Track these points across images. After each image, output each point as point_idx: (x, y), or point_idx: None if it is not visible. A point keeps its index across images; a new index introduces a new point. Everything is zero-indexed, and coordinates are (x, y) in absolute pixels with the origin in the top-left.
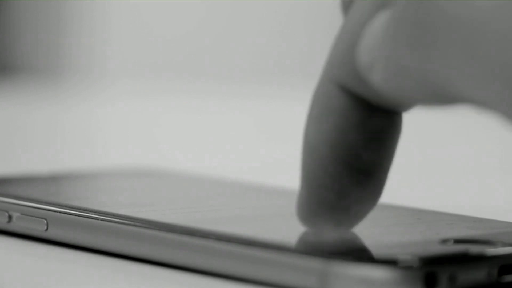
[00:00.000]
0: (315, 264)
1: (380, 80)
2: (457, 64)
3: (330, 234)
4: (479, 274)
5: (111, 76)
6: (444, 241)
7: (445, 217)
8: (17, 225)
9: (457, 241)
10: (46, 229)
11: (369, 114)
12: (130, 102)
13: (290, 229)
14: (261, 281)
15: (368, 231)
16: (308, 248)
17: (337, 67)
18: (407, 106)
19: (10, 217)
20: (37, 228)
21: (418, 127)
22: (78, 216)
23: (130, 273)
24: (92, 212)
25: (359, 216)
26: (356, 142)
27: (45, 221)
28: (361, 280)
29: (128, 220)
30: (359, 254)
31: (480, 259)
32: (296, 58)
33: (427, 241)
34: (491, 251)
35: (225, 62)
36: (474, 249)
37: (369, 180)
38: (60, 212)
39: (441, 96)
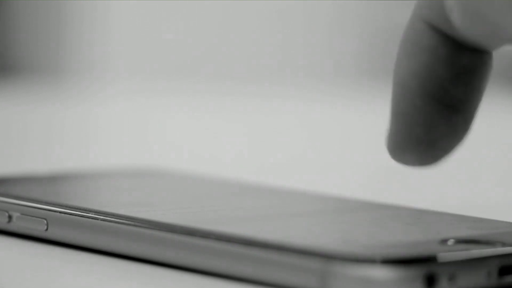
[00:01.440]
0: (315, 264)
1: (459, 23)
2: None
3: (323, 231)
4: (479, 274)
5: (111, 76)
6: (444, 241)
7: (445, 217)
8: (17, 225)
9: (457, 241)
10: (46, 229)
11: (458, 52)
12: (130, 102)
13: (290, 229)
14: (261, 281)
15: (368, 231)
16: (308, 248)
17: (427, 6)
18: (491, 46)
19: (10, 217)
20: (37, 228)
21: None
22: (78, 216)
23: (130, 273)
24: (92, 212)
25: (445, 151)
26: (444, 77)
27: (45, 221)
28: (361, 280)
29: (128, 220)
30: (359, 254)
31: (480, 259)
32: (297, 58)
33: (427, 241)
34: (491, 251)
35: (225, 61)
36: (474, 249)
37: (457, 116)
38: (60, 212)
39: (503, 37)
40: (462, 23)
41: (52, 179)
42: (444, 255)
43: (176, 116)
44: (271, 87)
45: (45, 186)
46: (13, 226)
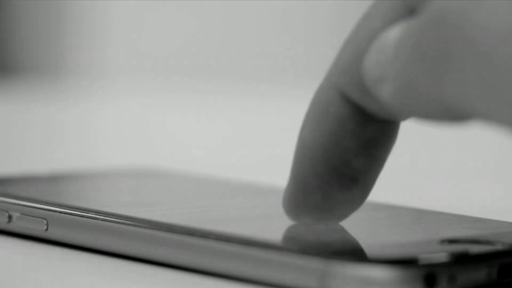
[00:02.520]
0: (315, 264)
1: (388, 95)
2: (472, 88)
3: (323, 231)
4: (479, 274)
5: (111, 76)
6: (444, 241)
7: (445, 217)
8: (17, 225)
9: (457, 241)
10: (46, 229)
11: (365, 123)
12: (130, 101)
13: (290, 229)
14: (261, 281)
15: (368, 231)
16: (308, 248)
17: (341, 75)
18: (410, 117)
19: (10, 217)
20: (37, 228)
21: (418, 127)
22: (78, 216)
23: (130, 273)
24: (92, 212)
25: (341, 217)
26: (348, 148)
27: (45, 221)
28: (361, 280)
29: (128, 220)
30: (359, 254)
31: (480, 259)
32: (297, 58)
33: (427, 241)
34: (491, 251)
35: (225, 61)
36: (474, 249)
37: (356, 186)
38: (60, 212)
39: (452, 114)
40: (395, 99)
41: (52, 179)
42: (444, 255)
43: (176, 116)
44: (271, 87)
45: (45, 186)
46: (13, 226)
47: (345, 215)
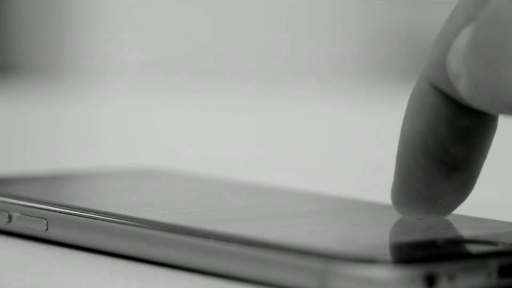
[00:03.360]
0: (315, 264)
1: (463, 91)
2: None
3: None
4: (479, 274)
5: (111, 76)
6: (444, 241)
7: (445, 217)
8: (17, 225)
9: (457, 241)
10: (46, 229)
11: (460, 112)
12: (130, 101)
13: (290, 229)
14: (261, 281)
15: (368, 231)
16: (308, 248)
17: (431, 69)
18: (497, 114)
19: (10, 217)
20: (37, 228)
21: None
22: (78, 216)
23: (130, 273)
24: (92, 212)
25: (448, 207)
26: (445, 137)
27: (45, 221)
28: (361, 280)
29: (128, 220)
30: (359, 254)
31: (480, 259)
32: (297, 58)
33: (427, 241)
34: (491, 251)
35: (225, 61)
36: (474, 249)
37: (458, 174)
38: (60, 212)
39: None
40: (468, 93)
41: (52, 179)
42: (444, 255)
43: (176, 116)
44: (271, 87)
45: (45, 186)
46: (13, 226)
47: (451, 207)
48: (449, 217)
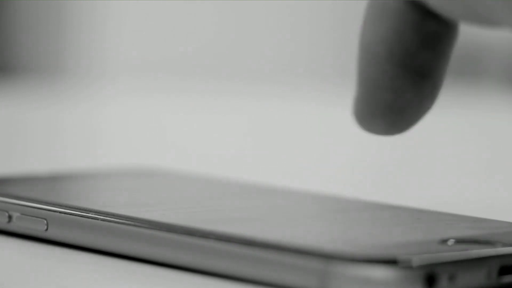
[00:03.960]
0: (315, 264)
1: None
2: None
3: (324, 231)
4: (479, 274)
5: (111, 76)
6: (444, 241)
7: (445, 217)
8: (17, 225)
9: (457, 241)
10: (46, 229)
11: (426, 17)
12: (130, 101)
13: (290, 229)
14: (261, 281)
15: (368, 231)
16: (308, 248)
17: None
18: (463, 22)
19: (10, 217)
20: (37, 228)
21: (419, 126)
22: (78, 216)
23: (130, 273)
24: (92, 212)
25: (413, 119)
26: (411, 42)
27: (45, 221)
28: (361, 280)
29: (128, 220)
30: (359, 254)
31: (480, 259)
32: (297, 58)
33: (427, 241)
34: (491, 251)
35: (225, 61)
36: (474, 249)
37: (425, 81)
38: (60, 212)
39: (483, 22)
40: (433, 1)
41: (52, 179)
42: (444, 255)
43: (176, 115)
44: (271, 87)
45: (45, 186)
46: (13, 226)
47: (415, 118)
48: (449, 217)
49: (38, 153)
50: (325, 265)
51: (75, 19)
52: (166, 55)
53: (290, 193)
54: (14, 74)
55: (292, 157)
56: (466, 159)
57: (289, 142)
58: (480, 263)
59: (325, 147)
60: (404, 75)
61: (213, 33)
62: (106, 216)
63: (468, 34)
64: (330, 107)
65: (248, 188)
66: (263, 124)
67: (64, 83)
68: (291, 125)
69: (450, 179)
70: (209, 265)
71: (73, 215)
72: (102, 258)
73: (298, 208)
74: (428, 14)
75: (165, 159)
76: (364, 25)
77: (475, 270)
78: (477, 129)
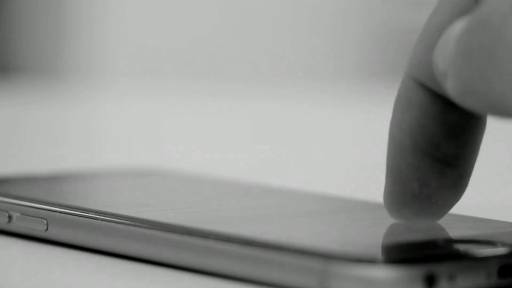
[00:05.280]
0: (315, 264)
1: (451, 91)
2: None
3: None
4: (479, 274)
5: (111, 76)
6: (444, 241)
7: (445, 217)
8: (17, 225)
9: (457, 241)
10: (46, 229)
11: (448, 108)
12: (130, 102)
13: (290, 229)
14: (261, 281)
15: (368, 231)
16: (308, 248)
17: (417, 66)
18: (486, 116)
19: (10, 217)
20: (37, 228)
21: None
22: (78, 216)
23: (130, 273)
24: (92, 212)
25: (443, 206)
26: (435, 133)
27: (45, 221)
28: (361, 280)
29: (128, 220)
30: (359, 254)
31: (480, 259)
32: (296, 59)
33: (427, 241)
34: (491, 251)
35: (225, 62)
36: (474, 249)
37: (450, 171)
38: (60, 212)
39: (501, 111)
40: (455, 93)
41: (52, 179)
42: (444, 255)
43: (176, 116)
44: (271, 88)
45: (45, 186)
46: (13, 226)
47: (445, 206)
48: (449, 217)
49: (38, 153)
50: (325, 265)
51: (75, 19)
52: (166, 56)
53: (290, 193)
54: (14, 74)
55: (292, 157)
56: None
57: (289, 142)
58: (480, 263)
59: (325, 148)
60: (429, 165)
61: (213, 34)
62: (106, 216)
63: None
64: (331, 107)
65: (248, 188)
66: (263, 124)
67: (64, 83)
68: (291, 126)
69: None
70: (209, 265)
71: (73, 215)
72: (102, 258)
73: (298, 208)
74: (451, 106)
75: (165, 159)
76: (392, 118)
77: (475, 270)
78: None
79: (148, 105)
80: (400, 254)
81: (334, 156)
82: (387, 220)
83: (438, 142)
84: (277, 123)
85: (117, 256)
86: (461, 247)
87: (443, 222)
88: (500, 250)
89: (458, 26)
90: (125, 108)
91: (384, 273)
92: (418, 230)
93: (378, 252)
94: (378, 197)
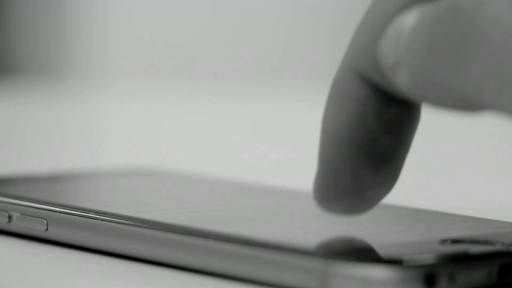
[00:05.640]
0: (315, 264)
1: (403, 82)
2: (485, 80)
3: (323, 231)
4: (479, 274)
5: (111, 76)
6: (444, 241)
7: (445, 217)
8: (17, 225)
9: (457, 241)
10: (46, 229)
11: (388, 103)
12: (130, 102)
13: (290, 229)
14: (261, 281)
15: (368, 231)
16: (308, 248)
17: (357, 57)
18: (426, 103)
19: (10, 217)
20: (37, 228)
21: (418, 126)
22: (78, 216)
23: (130, 273)
24: (92, 212)
25: (373, 201)
26: (373, 128)
27: (45, 221)
28: (361, 280)
29: (128, 220)
30: (359, 254)
31: (480, 259)
32: (296, 59)
33: (427, 241)
34: (491, 251)
35: (225, 62)
36: (474, 249)
37: (385, 166)
38: (60, 212)
39: (466, 104)
40: (409, 86)
41: (52, 179)
42: (444, 255)
43: (176, 116)
44: (270, 88)
45: (45, 186)
46: (13, 226)
47: (376, 200)
48: (449, 217)
49: (38, 153)
50: (325, 265)
51: (75, 19)
52: (166, 56)
53: (290, 193)
54: (14, 74)
55: (292, 157)
56: (466, 159)
57: (289, 142)
58: (480, 263)
59: None
60: (365, 161)
61: (212, 34)
62: (106, 216)
63: None
64: None
65: (248, 188)
66: (262, 124)
67: (64, 83)
68: (291, 126)
69: (450, 179)
70: (209, 265)
71: (73, 215)
72: (102, 258)
73: (298, 208)
74: (391, 100)
75: (165, 159)
76: (326, 109)
77: (475, 270)
78: (477, 129)
79: (148, 105)
80: (400, 254)
81: None
82: (387, 220)
83: (376, 137)
84: (277, 123)
85: (117, 256)
86: (461, 247)
87: (443, 222)
88: (500, 250)
89: (412, 17)
90: (125, 108)
91: (384, 273)
92: (418, 230)
93: (378, 252)
94: None
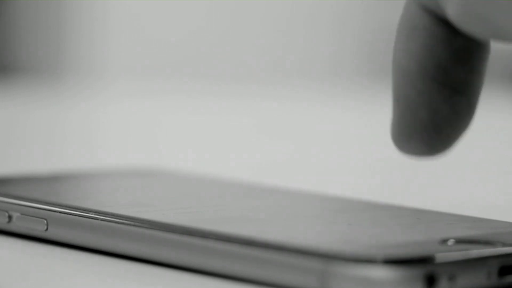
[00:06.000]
0: (315, 264)
1: (452, 16)
2: None
3: (323, 231)
4: (479, 274)
5: (111, 76)
6: (444, 241)
7: (445, 217)
8: (17, 225)
9: (457, 241)
10: (46, 229)
11: (454, 32)
12: (130, 102)
13: (290, 229)
14: (261, 281)
15: (368, 231)
16: (308, 248)
17: None
18: (488, 41)
19: (10, 217)
20: (37, 228)
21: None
22: (78, 216)
23: (130, 273)
24: (92, 212)
25: (451, 137)
26: (443, 58)
27: (45, 221)
28: (361, 280)
29: (128, 220)
30: (359, 254)
31: (480, 259)
32: (296, 59)
33: (427, 241)
34: (491, 251)
35: (225, 62)
36: (474, 249)
37: (460, 98)
38: (60, 212)
39: (503, 36)
40: (457, 18)
41: (52, 179)
42: (444, 255)
43: (176, 116)
44: (270, 88)
45: (45, 186)
46: (13, 226)
47: (453, 138)
48: (449, 217)
49: (38, 153)
50: (325, 265)
51: (75, 19)
52: (166, 56)
53: (290, 193)
54: (14, 74)
55: (292, 157)
56: (466, 159)
57: (289, 142)
58: (480, 263)
59: (325, 148)
60: (438, 91)
61: (212, 34)
62: (106, 216)
63: None
64: (331, 107)
65: (249, 188)
66: (263, 124)
67: (64, 83)
68: (291, 126)
69: (450, 179)
70: (209, 265)
71: (73, 215)
72: (102, 258)
73: (298, 208)
74: (456, 30)
75: (165, 159)
76: (396, 44)
77: (475, 270)
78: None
79: (148, 105)
80: (400, 254)
81: (333, 156)
82: (387, 220)
83: (446, 67)
84: (277, 123)
85: (117, 256)
86: (461, 247)
87: (443, 222)
88: (500, 250)
89: None
90: (125, 108)
91: (384, 273)
92: (418, 230)
93: (378, 252)
94: (378, 197)
